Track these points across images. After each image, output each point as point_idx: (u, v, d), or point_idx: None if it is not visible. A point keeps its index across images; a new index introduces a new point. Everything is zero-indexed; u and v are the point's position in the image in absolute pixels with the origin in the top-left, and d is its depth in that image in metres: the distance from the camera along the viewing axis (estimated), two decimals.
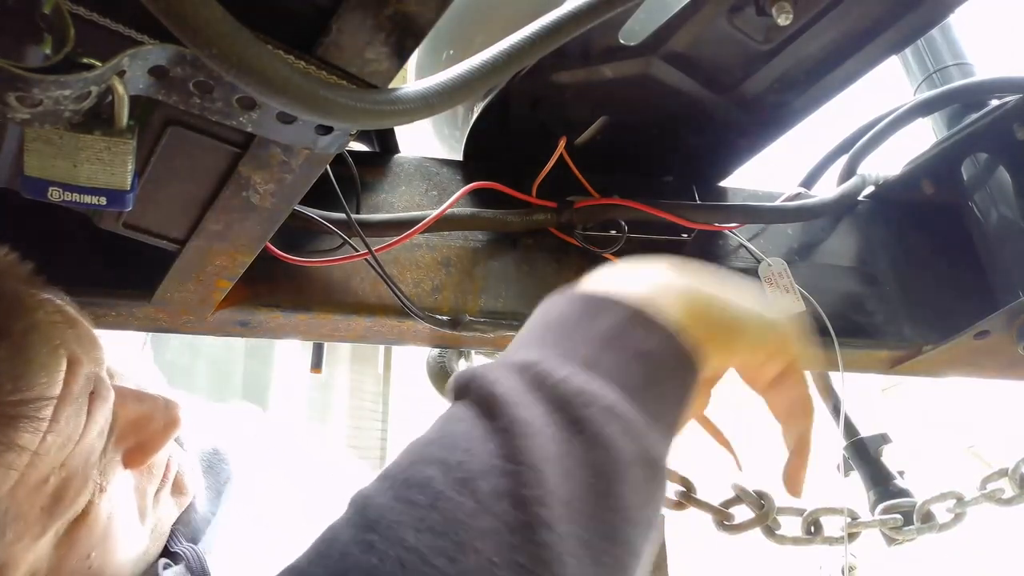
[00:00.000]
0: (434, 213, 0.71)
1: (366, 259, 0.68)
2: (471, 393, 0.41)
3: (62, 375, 0.49)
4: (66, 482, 0.49)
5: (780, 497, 0.95)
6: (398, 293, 0.69)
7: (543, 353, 0.42)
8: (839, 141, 0.92)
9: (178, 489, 0.60)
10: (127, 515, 0.55)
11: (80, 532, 0.51)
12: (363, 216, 0.72)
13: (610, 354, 0.42)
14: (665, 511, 0.70)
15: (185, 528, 0.61)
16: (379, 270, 0.68)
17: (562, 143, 0.75)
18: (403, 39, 0.40)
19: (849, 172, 0.89)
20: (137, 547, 0.56)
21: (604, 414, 0.39)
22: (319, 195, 0.66)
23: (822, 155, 0.93)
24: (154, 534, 0.58)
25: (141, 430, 0.55)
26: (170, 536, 0.60)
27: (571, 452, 0.38)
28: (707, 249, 0.83)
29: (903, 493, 0.96)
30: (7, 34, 0.35)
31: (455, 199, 0.72)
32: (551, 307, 0.46)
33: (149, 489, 0.57)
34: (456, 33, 0.76)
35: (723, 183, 0.88)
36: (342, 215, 0.68)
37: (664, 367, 0.43)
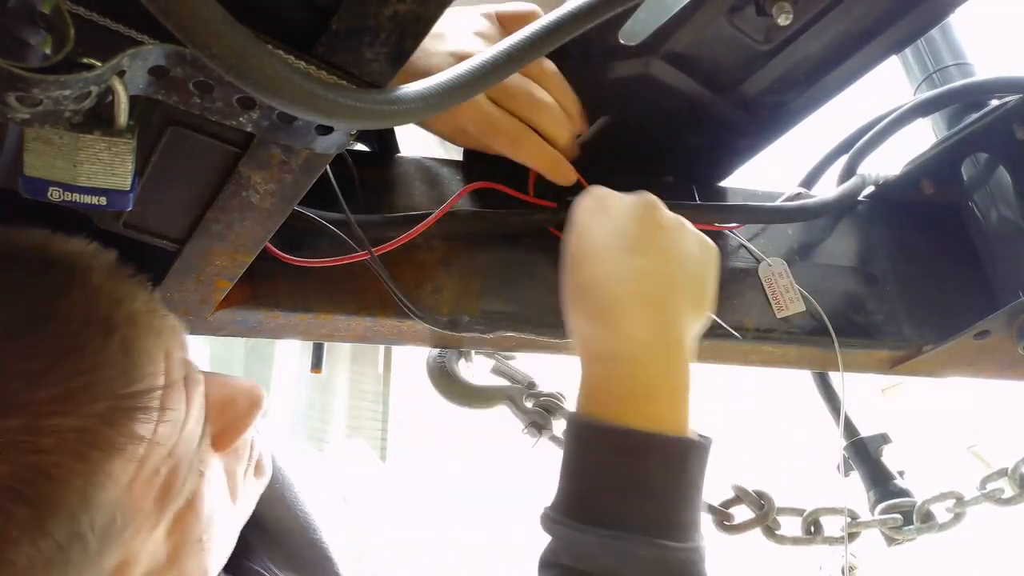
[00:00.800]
0: (434, 213, 0.71)
1: (366, 260, 0.68)
2: None
3: (163, 364, 0.49)
4: (174, 471, 0.50)
5: (780, 497, 0.96)
6: (397, 294, 0.69)
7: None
8: (839, 141, 0.92)
9: (259, 469, 0.62)
10: (223, 497, 0.57)
11: (189, 518, 0.52)
12: (362, 216, 0.71)
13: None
14: None
15: None
16: (379, 271, 0.68)
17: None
18: (403, 39, 0.40)
19: (849, 172, 0.89)
20: (234, 526, 0.59)
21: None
22: (319, 195, 0.66)
23: (822, 155, 0.93)
24: (242, 513, 0.60)
25: (227, 412, 0.56)
26: None
27: None
28: None
29: (903, 493, 0.96)
30: (7, 34, 0.35)
31: (455, 199, 0.72)
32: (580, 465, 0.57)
33: (238, 470, 0.59)
34: None
35: (723, 183, 0.88)
36: (342, 215, 0.68)
37: (693, 479, 0.55)
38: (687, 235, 0.64)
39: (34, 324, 0.45)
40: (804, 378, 0.99)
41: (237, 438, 0.58)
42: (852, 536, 0.95)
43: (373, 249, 0.68)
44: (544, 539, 0.57)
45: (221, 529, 0.56)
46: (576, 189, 0.77)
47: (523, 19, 0.70)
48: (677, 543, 0.53)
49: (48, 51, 0.36)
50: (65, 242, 0.50)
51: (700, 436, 0.58)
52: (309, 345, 0.91)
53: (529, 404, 0.95)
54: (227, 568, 0.60)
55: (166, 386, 0.49)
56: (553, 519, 0.56)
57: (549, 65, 0.72)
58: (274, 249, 0.65)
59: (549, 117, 0.71)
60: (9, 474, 0.41)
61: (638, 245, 0.60)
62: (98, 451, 0.44)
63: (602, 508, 0.54)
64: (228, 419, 0.56)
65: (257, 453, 0.62)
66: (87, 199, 0.43)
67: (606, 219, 0.62)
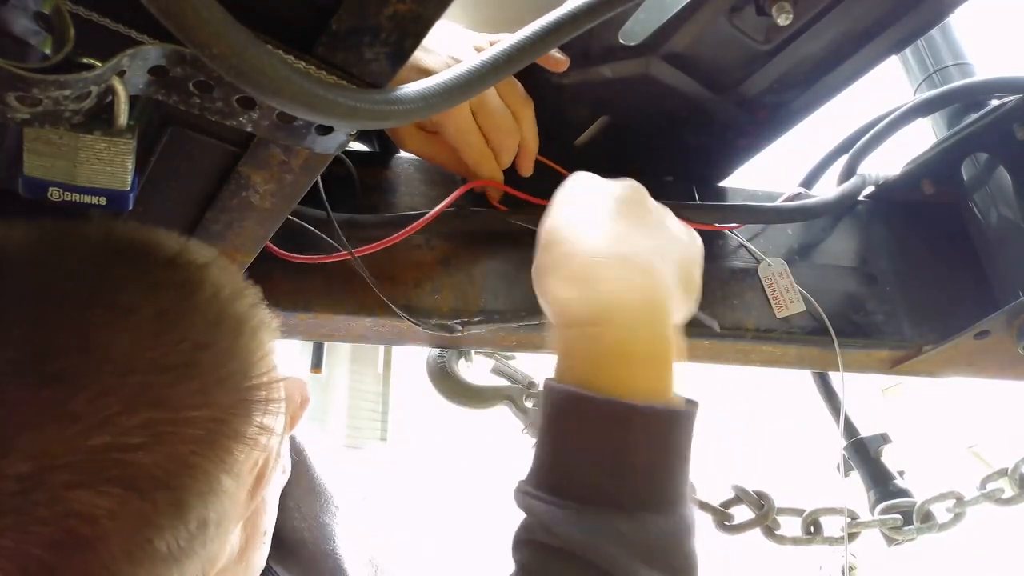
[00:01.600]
0: (429, 213, 0.70)
1: (351, 260, 0.68)
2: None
3: (272, 356, 0.51)
4: (267, 462, 0.51)
5: (780, 497, 0.96)
6: (382, 295, 0.68)
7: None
8: (839, 141, 0.93)
9: (284, 469, 0.63)
10: (275, 493, 0.58)
11: (260, 511, 0.53)
12: (357, 216, 0.71)
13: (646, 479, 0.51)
14: None
15: None
16: (361, 270, 0.68)
17: None
18: (403, 39, 0.40)
19: (849, 172, 0.89)
20: (274, 522, 0.60)
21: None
22: (321, 194, 0.66)
23: (822, 155, 0.93)
24: (275, 509, 0.61)
25: (290, 405, 0.57)
26: None
27: None
28: (707, 249, 0.82)
29: (903, 493, 0.96)
30: (7, 34, 0.35)
31: (451, 199, 0.72)
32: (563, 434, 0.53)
33: (277, 469, 0.59)
34: None
35: (723, 183, 0.88)
36: (344, 215, 0.68)
37: (678, 450, 0.52)
38: (674, 221, 0.61)
39: (178, 317, 0.46)
40: (804, 378, 0.99)
41: (292, 431, 0.59)
42: (852, 536, 0.95)
43: (357, 250, 0.67)
44: (518, 516, 0.53)
45: (272, 523, 0.58)
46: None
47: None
48: (659, 515, 0.50)
49: (48, 51, 0.36)
50: (169, 235, 0.51)
51: (686, 402, 0.54)
52: (309, 345, 0.91)
53: (529, 404, 0.95)
54: None
55: (274, 381, 0.50)
56: (527, 493, 0.52)
57: (527, 100, 0.74)
58: (269, 244, 0.65)
59: (511, 148, 0.73)
60: (154, 463, 0.42)
61: (623, 216, 0.57)
62: (231, 440, 0.45)
63: (579, 481, 0.50)
64: (289, 412, 0.57)
65: (285, 456, 0.62)
66: (87, 199, 0.43)
67: (589, 193, 0.59)
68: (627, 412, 0.50)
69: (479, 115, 0.71)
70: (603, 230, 0.55)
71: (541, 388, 0.59)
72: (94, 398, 0.41)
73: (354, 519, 0.75)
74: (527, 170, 0.76)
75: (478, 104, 0.70)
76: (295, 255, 0.68)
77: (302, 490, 0.72)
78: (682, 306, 0.58)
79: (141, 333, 0.44)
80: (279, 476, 0.59)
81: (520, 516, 0.53)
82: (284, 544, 0.69)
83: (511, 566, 0.52)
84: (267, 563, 0.67)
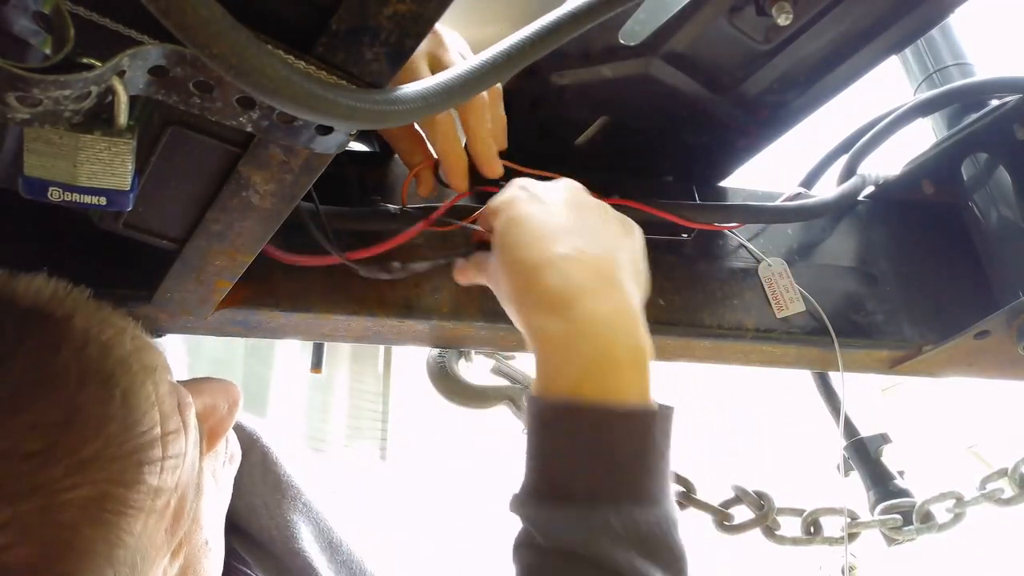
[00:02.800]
0: (410, 229, 0.69)
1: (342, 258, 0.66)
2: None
3: (158, 405, 0.49)
4: (181, 500, 0.50)
5: (780, 497, 0.96)
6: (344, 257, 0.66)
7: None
8: (839, 141, 0.93)
9: (232, 458, 0.63)
10: (214, 496, 0.57)
11: (193, 531, 0.53)
12: (346, 209, 0.70)
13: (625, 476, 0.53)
14: None
15: None
16: (349, 264, 0.67)
17: None
18: (403, 39, 0.40)
19: (849, 172, 0.89)
20: (223, 513, 0.60)
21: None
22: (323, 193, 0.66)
23: (822, 155, 0.93)
24: (226, 499, 0.62)
25: (211, 418, 0.57)
26: None
27: None
28: (707, 249, 0.83)
29: (903, 493, 0.96)
30: (7, 34, 0.35)
31: (451, 202, 0.71)
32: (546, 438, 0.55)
33: (218, 466, 0.60)
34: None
35: (723, 183, 0.88)
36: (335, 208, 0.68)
37: (659, 447, 0.54)
38: (613, 215, 0.64)
39: (32, 394, 0.43)
40: (804, 378, 0.99)
41: (219, 440, 0.58)
42: (852, 536, 0.95)
43: (349, 254, 0.66)
44: (515, 525, 0.55)
45: (218, 524, 0.57)
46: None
47: None
48: (646, 508, 0.52)
49: (48, 51, 0.36)
50: (30, 283, 0.48)
51: (661, 405, 0.56)
52: (309, 345, 0.91)
53: None
54: None
55: (167, 431, 0.48)
56: (521, 501, 0.55)
57: (502, 115, 0.71)
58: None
59: (482, 146, 0.70)
60: (35, 554, 0.41)
61: (575, 226, 0.59)
62: (116, 514, 0.44)
63: (568, 484, 0.53)
64: (211, 424, 0.56)
65: (232, 444, 0.62)
66: (87, 199, 0.43)
67: (538, 205, 0.60)
68: (609, 414, 0.53)
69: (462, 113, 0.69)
70: (566, 246, 0.57)
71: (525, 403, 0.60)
72: None
73: (333, 513, 0.75)
74: (493, 170, 0.72)
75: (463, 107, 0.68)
76: (287, 256, 0.67)
77: (268, 487, 0.71)
78: (642, 297, 0.61)
79: None
80: (212, 487, 0.57)
81: (517, 526, 0.55)
82: (255, 542, 0.69)
83: (512, 572, 0.53)
84: (240, 563, 0.67)
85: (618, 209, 0.75)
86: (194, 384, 0.57)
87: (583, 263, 0.57)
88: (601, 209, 0.63)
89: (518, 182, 0.64)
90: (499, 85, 0.71)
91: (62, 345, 0.45)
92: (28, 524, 0.40)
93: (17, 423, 0.42)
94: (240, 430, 0.69)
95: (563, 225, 0.59)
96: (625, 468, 0.53)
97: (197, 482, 0.53)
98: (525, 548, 0.53)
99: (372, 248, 0.68)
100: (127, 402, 0.46)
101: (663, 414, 0.55)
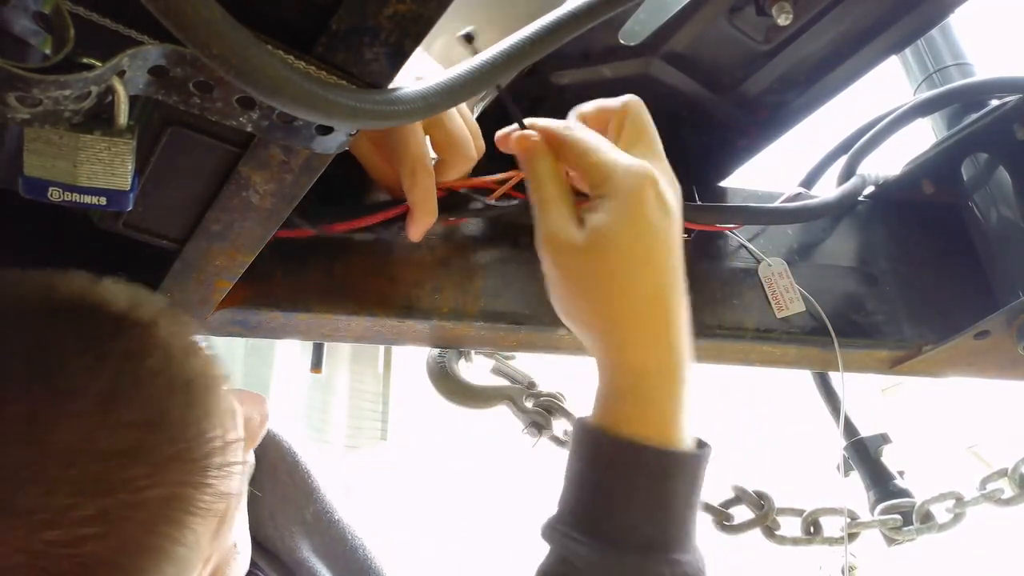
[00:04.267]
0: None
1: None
2: None
3: (226, 413, 0.50)
4: (228, 507, 0.51)
5: (780, 497, 0.96)
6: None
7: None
8: (839, 141, 0.93)
9: (249, 466, 0.63)
10: (242, 503, 0.58)
11: (224, 534, 0.53)
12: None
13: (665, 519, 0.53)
14: None
15: None
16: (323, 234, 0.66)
17: None
18: (403, 39, 0.40)
19: (849, 172, 0.89)
20: (247, 523, 0.60)
21: None
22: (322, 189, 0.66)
23: (822, 155, 0.93)
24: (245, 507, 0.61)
25: (248, 429, 0.57)
26: None
27: None
28: (707, 249, 0.83)
29: (903, 493, 0.96)
30: (7, 34, 0.35)
31: (394, 212, 0.70)
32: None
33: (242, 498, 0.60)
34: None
35: (723, 183, 0.88)
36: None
37: (697, 495, 0.54)
38: (677, 204, 0.59)
39: (124, 396, 0.44)
40: (804, 378, 0.99)
41: (250, 451, 0.59)
42: (852, 536, 0.95)
43: (326, 227, 0.66)
44: (543, 549, 0.55)
45: (244, 529, 0.58)
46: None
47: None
48: (688, 556, 0.53)
49: (48, 51, 0.36)
50: (116, 290, 0.49)
51: (702, 443, 0.56)
52: (309, 345, 0.91)
53: (529, 404, 0.95)
54: None
55: (233, 438, 0.50)
56: (563, 532, 0.54)
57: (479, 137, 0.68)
58: None
59: (456, 173, 0.68)
60: (111, 549, 0.42)
61: (674, 251, 0.57)
62: (185, 514, 0.45)
63: (624, 529, 0.52)
64: (248, 435, 0.57)
65: (250, 454, 0.63)
66: (87, 199, 0.43)
67: (666, 220, 0.56)
68: (672, 463, 0.53)
69: (433, 130, 0.64)
70: (674, 276, 0.56)
71: (577, 427, 0.57)
72: (42, 493, 0.40)
73: (333, 519, 0.75)
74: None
75: (442, 130, 0.64)
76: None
77: (276, 498, 0.72)
78: None
79: (84, 420, 0.42)
80: (244, 496, 0.59)
81: (546, 550, 0.55)
82: (264, 549, 0.70)
83: None
84: (253, 563, 0.67)
85: None
86: (235, 395, 0.58)
87: (680, 295, 0.56)
88: (670, 209, 0.57)
89: (649, 170, 0.56)
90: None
91: (151, 350, 0.47)
92: (110, 521, 0.42)
93: (109, 422, 0.43)
94: None
95: (669, 245, 0.56)
96: (678, 518, 0.53)
97: (238, 498, 0.54)
98: None
99: (351, 221, 0.67)
100: (204, 408, 0.48)
101: (706, 455, 0.55)
